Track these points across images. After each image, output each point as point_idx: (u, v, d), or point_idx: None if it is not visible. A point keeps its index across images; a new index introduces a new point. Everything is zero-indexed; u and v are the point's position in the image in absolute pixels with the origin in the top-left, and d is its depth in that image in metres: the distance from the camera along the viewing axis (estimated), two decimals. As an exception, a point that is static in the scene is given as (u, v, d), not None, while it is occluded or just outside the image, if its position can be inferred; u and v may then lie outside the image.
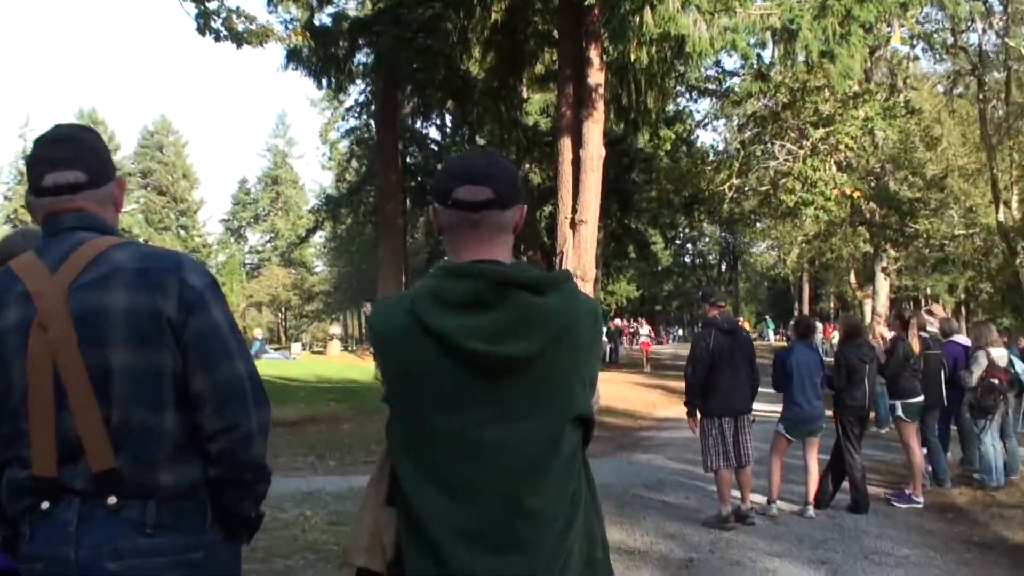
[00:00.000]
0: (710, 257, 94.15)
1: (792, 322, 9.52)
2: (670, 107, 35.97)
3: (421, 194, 51.13)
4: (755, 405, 8.09)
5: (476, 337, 1.96)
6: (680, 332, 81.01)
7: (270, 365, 23.01)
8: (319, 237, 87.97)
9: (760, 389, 8.09)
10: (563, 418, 2.04)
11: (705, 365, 7.58)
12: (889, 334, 9.72)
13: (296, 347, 38.09)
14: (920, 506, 8.68)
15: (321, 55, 27.68)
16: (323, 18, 28.94)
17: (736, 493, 7.87)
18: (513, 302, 1.99)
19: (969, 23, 32.48)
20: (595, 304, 2.19)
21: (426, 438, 2.00)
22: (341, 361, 27.02)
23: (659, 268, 62.89)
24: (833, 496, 8.65)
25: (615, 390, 21.00)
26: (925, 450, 9.52)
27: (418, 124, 50.66)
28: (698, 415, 7.82)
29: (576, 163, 22.72)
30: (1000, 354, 9.66)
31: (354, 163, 55.17)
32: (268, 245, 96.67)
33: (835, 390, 8.46)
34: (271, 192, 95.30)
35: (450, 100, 31.36)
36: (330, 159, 67.11)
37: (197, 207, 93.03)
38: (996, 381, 9.44)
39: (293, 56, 27.00)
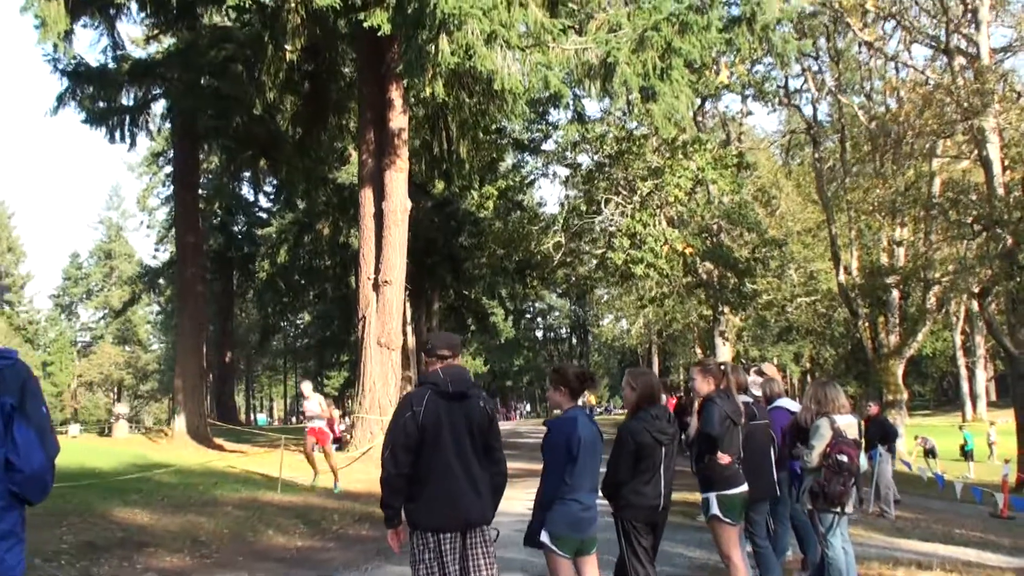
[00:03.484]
0: (561, 331, 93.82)
1: (551, 372, 5.92)
2: (502, 166, 34.12)
3: (247, 264, 48.11)
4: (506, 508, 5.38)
5: None
6: (528, 407, 79.30)
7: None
8: (152, 312, 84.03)
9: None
10: None
11: (409, 448, 4.80)
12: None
13: (74, 428, 33.97)
14: (743, 647, 6.07)
15: (101, 100, 24.77)
16: (100, 58, 25.91)
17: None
18: None
19: (802, 82, 31.74)
20: None
21: None
22: (115, 446, 23.42)
23: (503, 341, 60.66)
24: (621, 637, 5.94)
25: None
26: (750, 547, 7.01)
27: (244, 191, 48.13)
28: (403, 525, 5.05)
29: (379, 217, 20.18)
30: (848, 423, 7.04)
31: (174, 231, 51.75)
32: (101, 322, 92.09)
33: (614, 483, 5.80)
34: (104, 267, 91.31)
35: (263, 159, 28.56)
36: (149, 227, 63.17)
37: (24, 282, 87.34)
38: (845, 458, 6.83)
39: (67, 97, 23.90)
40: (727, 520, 6.32)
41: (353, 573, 8.76)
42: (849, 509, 6.98)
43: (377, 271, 20.13)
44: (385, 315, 20.09)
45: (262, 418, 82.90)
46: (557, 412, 5.76)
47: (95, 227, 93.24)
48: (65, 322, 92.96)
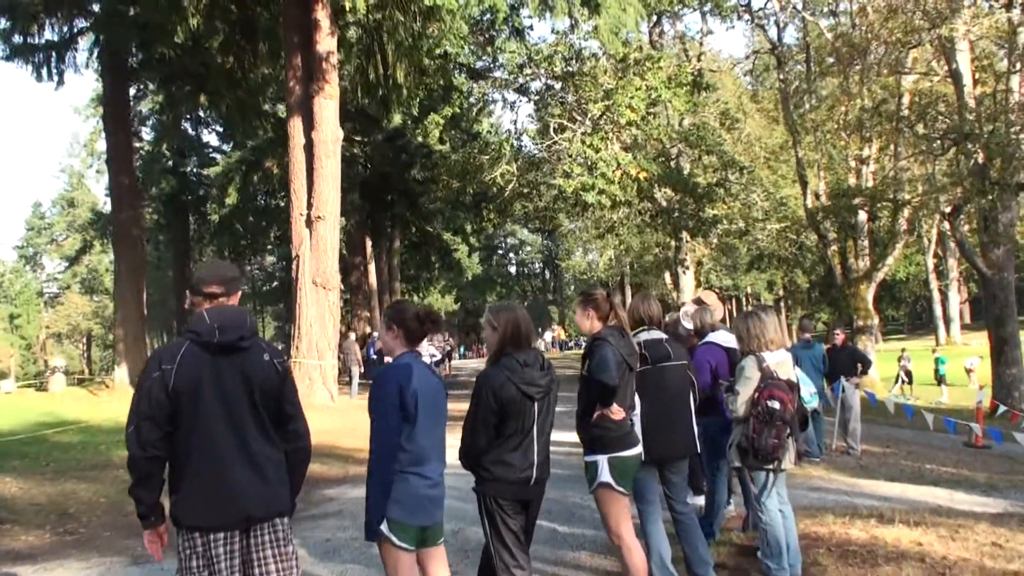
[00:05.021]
0: (534, 266, 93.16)
1: (388, 308, 4.65)
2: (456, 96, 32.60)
3: (200, 207, 46.45)
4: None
5: None
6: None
7: None
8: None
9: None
10: None
11: (158, 421, 3.49)
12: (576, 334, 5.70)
13: (7, 383, 32.26)
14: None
15: (19, 33, 23.43)
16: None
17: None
18: None
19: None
20: None
21: None
22: (42, 403, 22.06)
23: (470, 277, 59.44)
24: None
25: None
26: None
27: (198, 131, 46.53)
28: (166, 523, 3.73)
29: (309, 148, 18.76)
30: (780, 360, 5.83)
31: (107, 173, 50.08)
32: (68, 272, 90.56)
33: (472, 450, 4.49)
34: (67, 215, 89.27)
35: (201, 93, 26.99)
36: (99, 172, 61.25)
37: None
38: (777, 405, 5.57)
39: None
40: (620, 489, 5.04)
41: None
42: (786, 464, 5.79)
43: (310, 206, 18.81)
44: (319, 253, 18.81)
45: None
46: (388, 359, 4.48)
47: (57, 175, 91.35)
48: (30, 273, 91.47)
